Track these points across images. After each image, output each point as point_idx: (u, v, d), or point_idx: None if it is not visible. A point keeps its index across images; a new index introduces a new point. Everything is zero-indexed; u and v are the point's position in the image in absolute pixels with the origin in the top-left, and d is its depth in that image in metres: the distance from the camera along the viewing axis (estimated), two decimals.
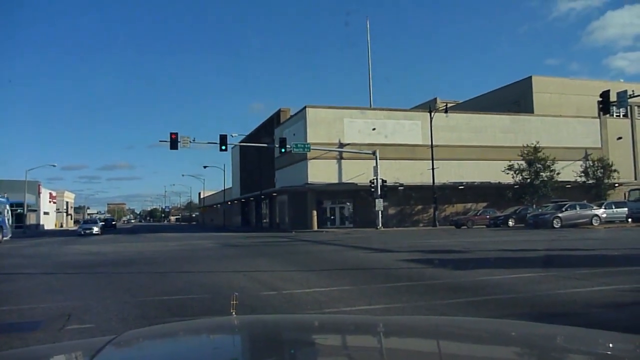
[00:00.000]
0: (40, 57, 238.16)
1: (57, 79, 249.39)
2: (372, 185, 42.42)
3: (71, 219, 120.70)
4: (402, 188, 45.97)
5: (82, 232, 49.45)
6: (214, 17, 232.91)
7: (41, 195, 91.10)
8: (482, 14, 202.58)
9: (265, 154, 55.32)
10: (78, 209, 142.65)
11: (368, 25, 57.03)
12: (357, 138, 45.61)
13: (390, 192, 44.20)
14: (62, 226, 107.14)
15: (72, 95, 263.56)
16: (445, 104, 47.83)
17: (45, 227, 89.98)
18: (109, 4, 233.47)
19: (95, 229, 50.07)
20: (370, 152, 43.38)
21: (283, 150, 39.90)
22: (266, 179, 56.34)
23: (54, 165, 78.92)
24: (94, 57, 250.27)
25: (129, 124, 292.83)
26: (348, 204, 47.94)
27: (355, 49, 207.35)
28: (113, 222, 77.76)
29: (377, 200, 42.14)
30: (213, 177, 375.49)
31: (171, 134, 36.22)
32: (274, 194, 55.21)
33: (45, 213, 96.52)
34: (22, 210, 67.97)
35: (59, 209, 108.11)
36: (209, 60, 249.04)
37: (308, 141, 43.00)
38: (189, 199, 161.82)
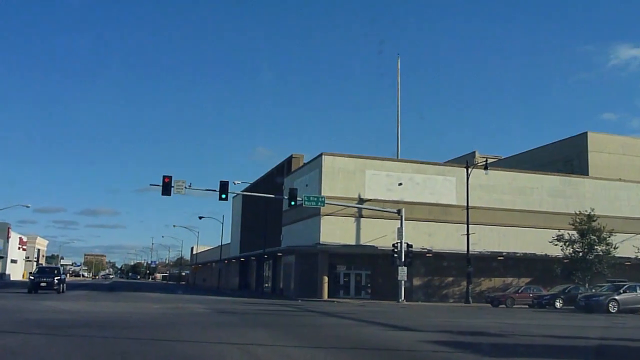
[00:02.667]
0: (16, 79, 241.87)
1: (34, 108, 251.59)
2: (396, 249, 41.87)
3: None
4: (430, 255, 45.37)
5: None
6: (217, 47, 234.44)
7: (10, 240, 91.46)
8: (531, 58, 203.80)
9: (272, 206, 54.72)
10: (50, 259, 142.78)
11: (398, 65, 57.87)
12: (380, 194, 45.48)
13: (416, 259, 43.71)
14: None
15: (51, 128, 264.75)
16: (485, 159, 47.45)
17: (12, 277, 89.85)
18: (97, 30, 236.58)
19: None
20: (394, 210, 43.10)
21: (293, 203, 39.61)
22: (271, 235, 55.80)
23: (27, 207, 79.25)
24: (77, 84, 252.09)
25: (115, 164, 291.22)
26: (366, 270, 47.32)
27: (381, 92, 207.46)
28: (57, 278, 41.06)
29: (400, 268, 41.47)
30: (209, 230, 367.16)
31: (164, 177, 36.40)
32: (279, 254, 54.49)
33: (13, 261, 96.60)
34: None
35: (28, 257, 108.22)
36: (210, 95, 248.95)
37: (322, 194, 42.86)
38: (180, 254, 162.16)
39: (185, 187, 37.91)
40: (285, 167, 56.86)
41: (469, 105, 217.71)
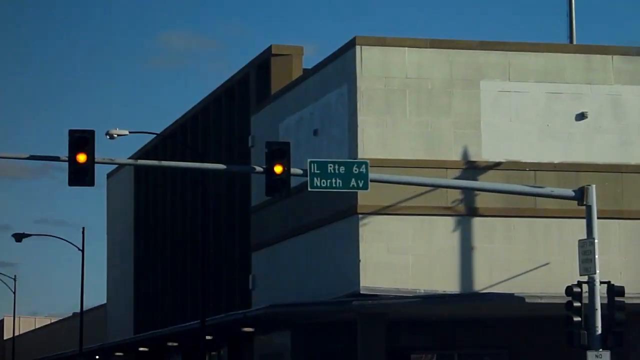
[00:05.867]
0: None
1: None
2: (579, 303, 22.12)
3: None
4: None
5: None
6: None
7: None
8: None
9: (221, 194, 33.17)
10: None
11: None
12: (523, 147, 24.94)
13: (635, 322, 24.48)
14: None
15: None
16: None
17: None
18: None
19: None
20: (568, 192, 23.24)
21: (280, 184, 20.59)
22: (224, 279, 32.79)
23: None
24: None
25: None
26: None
27: None
28: None
29: (591, 355, 22.69)
30: (47, 273, 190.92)
31: None
32: (247, 330, 29.78)
33: None
34: None
35: None
36: None
37: (361, 154, 23.90)
38: None
39: None
40: (252, 84, 31.39)
41: None
